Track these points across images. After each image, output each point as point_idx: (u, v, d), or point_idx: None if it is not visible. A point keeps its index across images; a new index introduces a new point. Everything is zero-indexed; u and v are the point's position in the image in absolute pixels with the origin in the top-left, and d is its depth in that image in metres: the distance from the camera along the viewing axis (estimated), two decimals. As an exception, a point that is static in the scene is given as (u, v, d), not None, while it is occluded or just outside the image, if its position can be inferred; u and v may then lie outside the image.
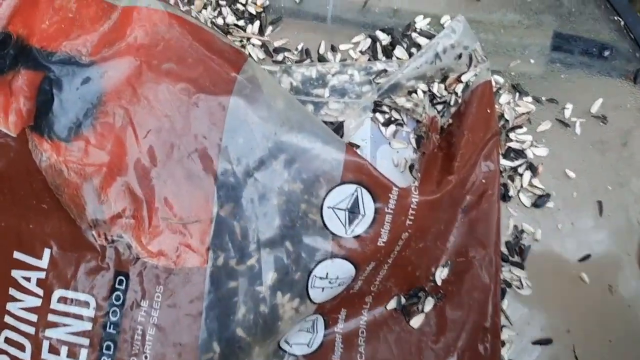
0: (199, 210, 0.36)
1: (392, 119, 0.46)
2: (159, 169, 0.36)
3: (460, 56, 0.45)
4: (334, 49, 0.48)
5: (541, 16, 0.49)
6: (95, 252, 0.36)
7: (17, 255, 0.36)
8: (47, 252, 0.36)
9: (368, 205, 0.37)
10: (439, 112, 0.46)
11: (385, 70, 0.46)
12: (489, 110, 0.43)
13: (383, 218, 0.37)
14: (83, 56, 0.35)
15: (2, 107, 0.35)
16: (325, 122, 0.45)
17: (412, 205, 0.38)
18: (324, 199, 0.37)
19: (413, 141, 0.46)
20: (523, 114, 0.47)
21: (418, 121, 0.46)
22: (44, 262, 0.36)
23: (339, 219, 0.37)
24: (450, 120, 0.45)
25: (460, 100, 0.45)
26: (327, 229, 0.37)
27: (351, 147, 0.39)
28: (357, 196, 0.37)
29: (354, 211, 0.37)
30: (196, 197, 0.36)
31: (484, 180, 0.42)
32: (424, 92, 0.46)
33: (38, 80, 0.35)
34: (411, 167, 0.45)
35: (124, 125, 0.35)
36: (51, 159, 0.35)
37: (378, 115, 0.46)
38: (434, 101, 0.46)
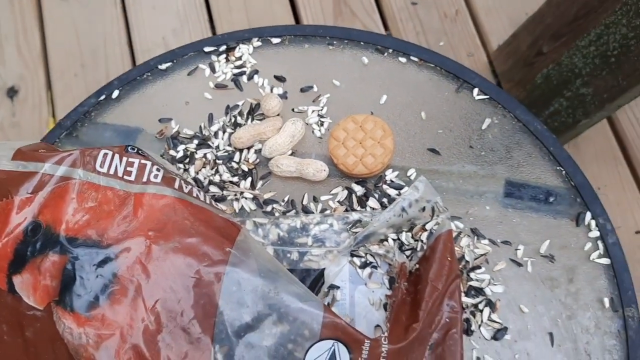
0: (198, 368, 0.42)
1: (368, 262, 0.53)
2: (164, 334, 0.42)
3: (424, 209, 0.53)
4: (315, 199, 0.56)
5: (494, 167, 0.57)
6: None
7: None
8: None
9: (344, 357, 0.43)
10: (407, 257, 0.52)
11: (360, 220, 0.54)
12: (449, 258, 0.50)
13: (357, 368, 0.43)
14: (102, 240, 0.42)
15: (32, 285, 0.41)
16: (309, 269, 0.52)
17: (382, 354, 0.44)
18: (306, 353, 0.43)
19: (386, 281, 0.52)
20: (481, 255, 0.54)
21: (389, 264, 0.53)
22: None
23: (318, 371, 0.43)
24: (417, 266, 0.51)
25: (425, 247, 0.52)
26: (309, 380, 0.43)
27: (328, 307, 0.45)
28: (334, 350, 0.43)
29: (331, 363, 0.43)
30: (196, 357, 0.42)
31: (447, 320, 0.48)
32: (394, 240, 0.53)
33: (63, 263, 0.41)
34: (385, 305, 0.51)
35: (135, 297, 0.42)
36: (72, 328, 0.41)
37: (355, 259, 0.53)
38: (403, 248, 0.52)
